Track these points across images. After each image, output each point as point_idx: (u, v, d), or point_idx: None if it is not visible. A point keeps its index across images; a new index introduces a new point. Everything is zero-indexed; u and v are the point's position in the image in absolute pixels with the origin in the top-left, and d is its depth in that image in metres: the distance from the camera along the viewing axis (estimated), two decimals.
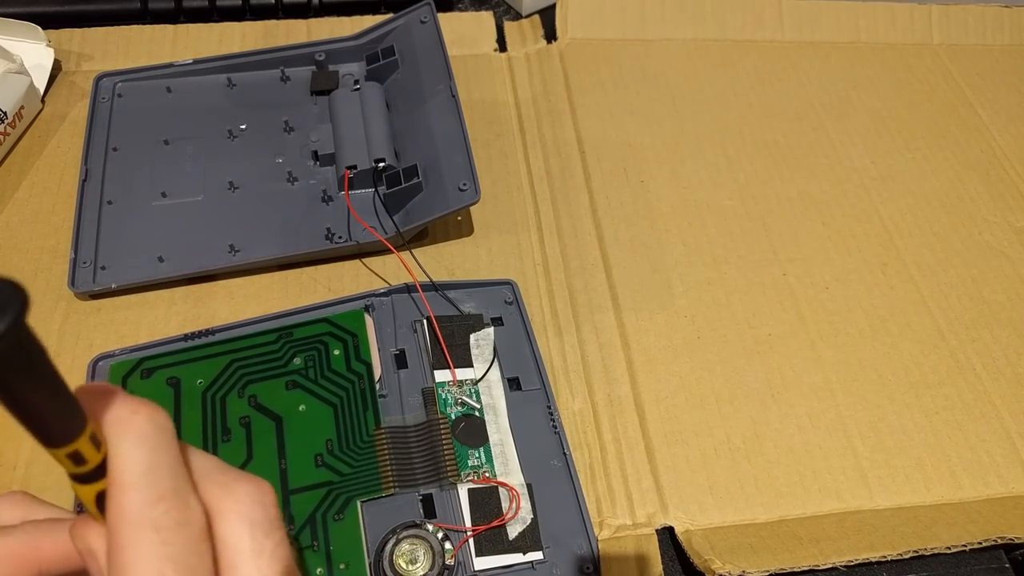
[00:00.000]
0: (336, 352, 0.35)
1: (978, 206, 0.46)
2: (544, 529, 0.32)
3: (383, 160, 0.40)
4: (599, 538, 0.33)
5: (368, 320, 0.36)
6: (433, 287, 0.38)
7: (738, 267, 0.42)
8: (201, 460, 0.19)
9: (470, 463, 0.33)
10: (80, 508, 0.30)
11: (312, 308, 0.37)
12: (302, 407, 0.34)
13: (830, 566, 0.32)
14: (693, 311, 0.40)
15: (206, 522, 0.17)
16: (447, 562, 0.31)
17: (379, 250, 0.40)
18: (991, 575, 0.33)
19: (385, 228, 0.40)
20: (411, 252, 0.39)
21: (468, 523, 0.32)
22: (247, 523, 0.18)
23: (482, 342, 0.37)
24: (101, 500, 0.17)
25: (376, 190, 0.41)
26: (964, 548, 0.33)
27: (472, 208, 0.42)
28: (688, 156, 0.46)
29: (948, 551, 0.33)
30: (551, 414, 0.35)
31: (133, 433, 0.17)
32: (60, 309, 0.38)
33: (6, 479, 0.33)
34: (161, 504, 0.16)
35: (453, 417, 0.34)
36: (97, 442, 0.17)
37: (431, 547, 0.31)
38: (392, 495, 0.32)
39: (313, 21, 0.50)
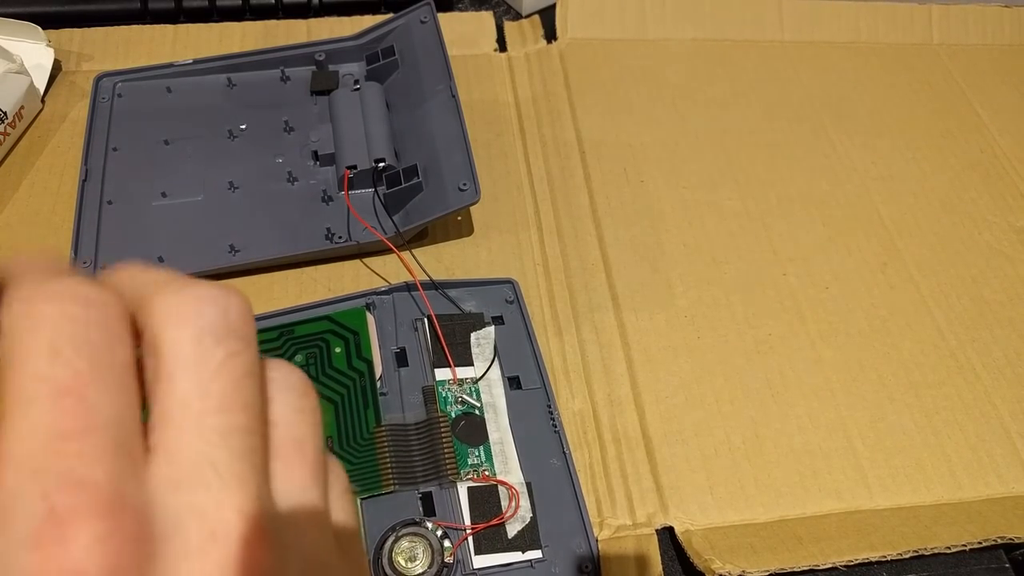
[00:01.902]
0: (337, 350, 0.35)
1: (978, 206, 0.46)
2: (543, 528, 0.32)
3: (383, 160, 0.40)
4: (599, 538, 0.33)
5: (369, 318, 0.36)
6: (434, 286, 0.38)
7: (738, 267, 0.42)
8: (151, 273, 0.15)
9: (470, 461, 0.33)
10: None
11: (314, 306, 0.37)
12: None
13: (830, 566, 0.32)
14: (693, 311, 0.40)
15: (125, 311, 0.13)
16: (446, 560, 0.31)
17: (379, 250, 0.40)
18: (991, 575, 0.33)
19: (385, 228, 0.40)
20: (411, 252, 0.39)
21: (467, 521, 0.32)
22: (191, 325, 0.13)
23: (483, 341, 0.37)
24: None
25: (376, 190, 0.41)
26: (964, 548, 0.33)
27: (472, 208, 0.42)
28: (688, 156, 0.46)
29: (948, 551, 0.33)
30: (551, 413, 0.35)
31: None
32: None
33: None
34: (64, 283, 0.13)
35: (453, 415, 0.34)
36: None
37: (430, 545, 0.31)
38: (392, 493, 0.32)
39: (313, 21, 0.50)
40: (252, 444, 0.13)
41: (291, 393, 0.15)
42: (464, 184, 0.38)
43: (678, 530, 0.34)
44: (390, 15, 0.46)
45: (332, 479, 0.16)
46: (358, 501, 0.32)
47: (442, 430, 0.34)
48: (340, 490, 0.16)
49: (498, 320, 0.38)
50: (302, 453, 0.15)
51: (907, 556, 0.32)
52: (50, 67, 0.45)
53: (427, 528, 0.31)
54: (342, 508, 0.16)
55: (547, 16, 0.52)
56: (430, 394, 0.35)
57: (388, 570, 0.30)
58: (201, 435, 0.13)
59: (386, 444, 0.33)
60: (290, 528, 0.14)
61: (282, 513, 0.14)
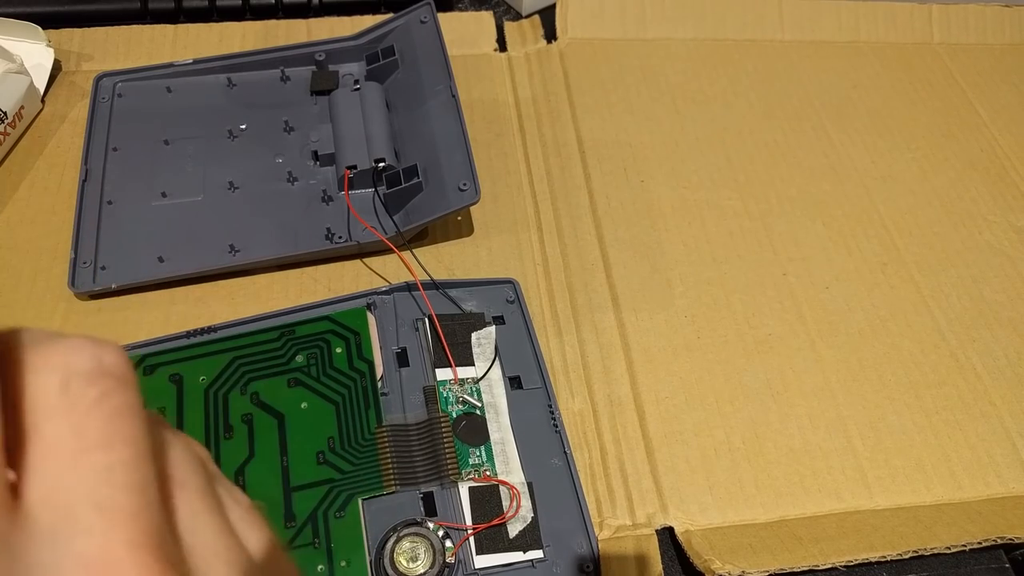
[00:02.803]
0: (338, 350, 0.35)
1: (978, 206, 0.47)
2: (544, 528, 0.32)
3: (383, 160, 0.40)
4: (599, 538, 0.33)
5: (370, 318, 0.36)
6: (434, 286, 0.38)
7: (738, 267, 0.42)
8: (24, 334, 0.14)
9: (471, 461, 0.33)
10: None
11: (314, 306, 0.37)
12: (304, 405, 0.34)
13: (830, 566, 0.32)
14: (693, 311, 0.40)
15: None
16: (447, 560, 0.31)
17: (379, 250, 0.40)
18: (991, 575, 0.34)
19: (385, 228, 0.40)
20: (411, 252, 0.39)
21: (469, 521, 0.32)
22: (58, 372, 0.13)
23: (483, 341, 0.37)
24: None
25: (376, 190, 0.41)
26: (964, 548, 0.33)
27: (472, 208, 0.42)
28: (688, 156, 0.46)
29: (948, 551, 0.33)
30: (552, 413, 0.35)
31: None
32: (60, 309, 0.38)
33: None
34: None
35: (454, 415, 0.34)
36: None
37: (432, 545, 0.31)
38: (393, 493, 0.32)
39: (313, 21, 0.50)
40: (142, 476, 0.13)
41: (169, 432, 0.15)
42: (464, 184, 0.38)
43: (678, 530, 0.34)
44: (390, 15, 0.46)
45: (230, 502, 0.16)
46: (359, 502, 0.32)
47: (443, 430, 0.34)
48: (242, 511, 0.16)
49: (499, 320, 0.38)
50: (186, 486, 0.14)
51: (907, 556, 0.32)
52: (50, 67, 0.45)
53: (428, 528, 0.31)
54: (250, 527, 0.16)
55: (547, 16, 0.52)
56: (431, 394, 0.35)
57: (390, 570, 0.30)
58: (78, 474, 0.12)
59: (387, 444, 0.33)
60: (199, 555, 0.13)
61: (188, 543, 0.14)
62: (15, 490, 0.12)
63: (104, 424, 0.13)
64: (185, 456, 0.15)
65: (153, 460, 0.13)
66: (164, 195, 0.41)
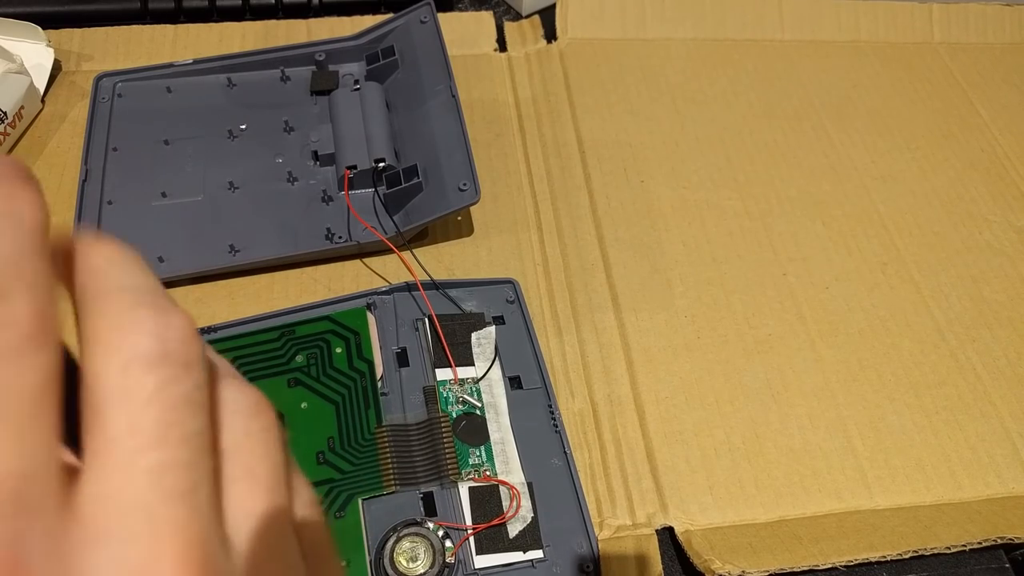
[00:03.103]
0: (338, 350, 0.35)
1: (979, 206, 0.47)
2: (544, 528, 0.32)
3: (383, 160, 0.40)
4: (599, 538, 0.33)
5: (370, 318, 0.36)
6: (434, 286, 0.38)
7: (738, 267, 0.42)
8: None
9: (471, 461, 0.33)
10: None
11: (314, 306, 0.37)
12: (304, 405, 0.34)
13: (830, 566, 0.32)
14: (693, 311, 0.40)
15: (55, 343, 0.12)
16: (447, 560, 0.31)
17: (379, 250, 0.40)
18: (991, 575, 0.34)
19: (385, 228, 0.40)
20: (411, 252, 0.39)
21: (469, 521, 0.32)
22: (117, 353, 0.12)
23: (483, 341, 0.37)
24: None
25: (376, 190, 0.41)
26: (964, 548, 0.33)
27: (472, 208, 0.42)
28: (688, 156, 0.46)
29: (948, 551, 0.33)
30: (552, 413, 0.35)
31: None
32: (60, 309, 0.38)
33: None
34: None
35: (454, 415, 0.34)
36: None
37: (431, 545, 0.31)
38: (393, 493, 0.32)
39: (313, 21, 0.50)
40: (193, 480, 0.12)
41: (240, 416, 0.14)
42: (464, 184, 0.38)
43: (678, 530, 0.34)
44: (390, 15, 0.46)
45: (295, 495, 0.15)
46: (359, 502, 0.32)
47: (443, 430, 0.34)
48: (304, 503, 0.15)
49: (499, 320, 0.38)
50: (252, 479, 0.14)
51: (907, 556, 0.32)
52: (50, 67, 0.45)
53: (428, 528, 0.31)
54: (308, 522, 0.15)
55: (547, 16, 0.52)
56: (431, 394, 0.35)
57: (390, 570, 0.30)
58: (130, 477, 0.12)
59: (387, 444, 0.33)
60: (249, 559, 0.13)
61: (236, 546, 0.13)
62: (74, 476, 0.12)
63: (159, 419, 0.12)
64: (262, 442, 0.14)
65: (209, 452, 0.13)
66: (164, 195, 0.41)
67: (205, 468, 0.13)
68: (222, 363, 0.15)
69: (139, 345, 0.12)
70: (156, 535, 0.11)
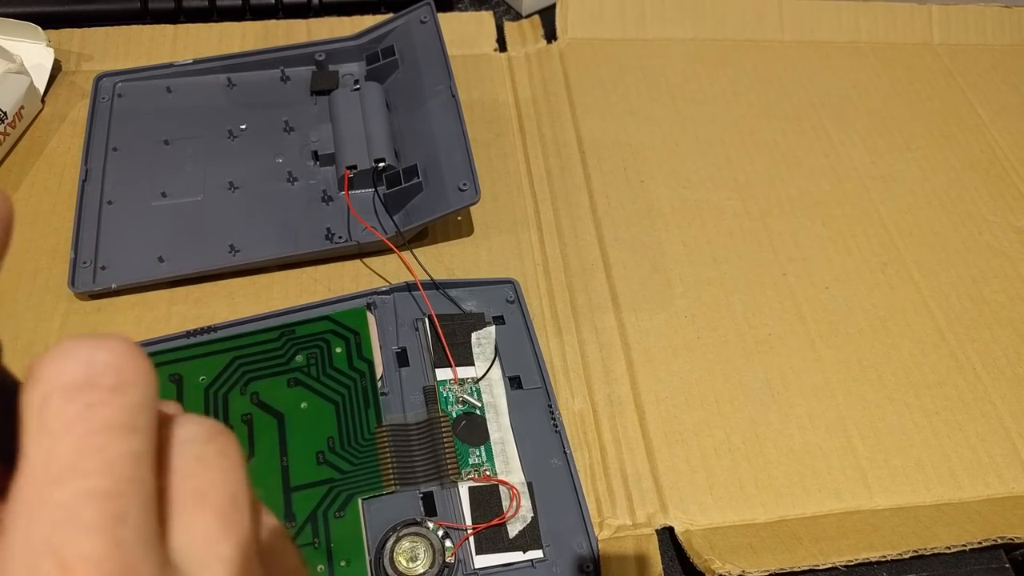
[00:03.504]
0: (338, 350, 0.35)
1: (978, 206, 0.47)
2: (544, 528, 0.32)
3: (383, 160, 0.40)
4: (599, 538, 0.33)
5: (370, 318, 0.36)
6: (435, 285, 0.38)
7: (738, 267, 0.42)
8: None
9: (471, 461, 0.33)
10: None
11: (314, 306, 0.37)
12: (304, 404, 0.34)
13: (830, 566, 0.32)
14: (693, 311, 0.40)
15: None
16: (447, 560, 0.31)
17: (379, 250, 0.40)
18: (991, 575, 0.33)
19: (385, 228, 0.40)
20: (411, 252, 0.39)
21: (468, 521, 0.32)
22: (40, 384, 0.12)
23: (483, 340, 0.37)
24: None
25: (376, 190, 0.41)
26: (964, 548, 0.33)
27: (472, 208, 0.42)
28: (688, 156, 0.46)
29: (948, 551, 0.33)
30: (552, 413, 0.35)
31: None
32: (60, 309, 0.38)
33: None
34: None
35: (454, 415, 0.34)
36: None
37: (431, 545, 0.31)
38: (393, 493, 0.32)
39: (313, 21, 0.50)
40: (118, 509, 0.11)
41: (192, 443, 0.13)
42: (464, 184, 0.38)
43: (678, 530, 0.34)
44: (390, 15, 0.46)
45: (259, 523, 0.14)
46: (359, 502, 0.32)
47: (443, 430, 0.34)
48: (270, 531, 0.14)
49: (499, 320, 0.38)
50: (202, 504, 0.13)
51: (907, 556, 0.32)
52: (50, 67, 0.45)
53: (428, 528, 0.31)
54: (276, 550, 0.14)
55: (547, 16, 0.52)
56: (431, 394, 0.35)
57: (389, 570, 0.30)
58: (41, 514, 0.11)
59: (387, 444, 0.33)
60: None
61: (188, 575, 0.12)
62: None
63: (77, 447, 0.11)
64: (216, 467, 0.13)
65: (147, 479, 0.12)
66: (164, 195, 0.41)
67: (137, 495, 0.12)
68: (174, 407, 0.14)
69: (62, 374, 0.12)
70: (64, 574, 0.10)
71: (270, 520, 0.15)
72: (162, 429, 0.13)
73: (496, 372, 0.36)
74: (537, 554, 0.32)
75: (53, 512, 0.11)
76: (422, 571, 0.30)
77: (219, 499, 0.13)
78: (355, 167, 0.40)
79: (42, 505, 0.11)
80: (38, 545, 0.11)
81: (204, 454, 0.13)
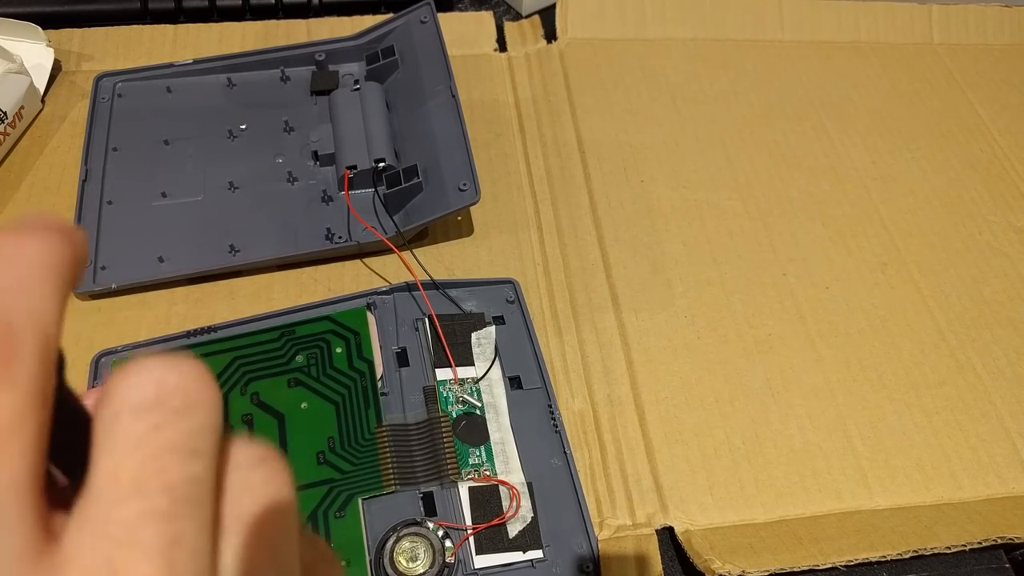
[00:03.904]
0: (338, 350, 0.35)
1: (978, 206, 0.47)
2: (544, 528, 0.32)
3: (383, 160, 0.40)
4: (599, 538, 0.33)
5: (370, 318, 0.36)
6: (435, 285, 0.38)
7: (738, 267, 0.42)
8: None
9: (471, 461, 0.33)
10: None
11: (314, 306, 0.37)
12: (304, 405, 0.34)
13: (830, 566, 0.32)
14: (693, 311, 0.40)
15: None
16: (447, 560, 0.31)
17: (379, 250, 0.40)
18: (991, 575, 0.34)
19: (385, 228, 0.40)
20: (411, 252, 0.39)
21: (468, 521, 0.32)
22: (111, 403, 0.12)
23: (483, 340, 0.37)
24: None
25: (376, 190, 0.41)
26: (964, 548, 0.33)
27: (472, 208, 0.42)
28: (688, 156, 0.46)
29: (948, 551, 0.33)
30: (552, 413, 0.35)
31: None
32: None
33: None
34: None
35: (454, 415, 0.34)
36: None
37: (431, 545, 0.31)
38: (393, 493, 0.32)
39: (313, 21, 0.50)
40: (175, 532, 0.11)
41: (243, 468, 0.13)
42: (464, 184, 0.38)
43: (678, 530, 0.34)
44: (390, 15, 0.46)
45: (310, 549, 0.14)
46: (359, 502, 0.32)
47: (443, 430, 0.34)
48: (321, 557, 0.15)
49: (499, 320, 0.38)
50: (251, 530, 0.13)
51: (907, 556, 0.32)
52: (50, 67, 0.45)
53: (428, 528, 0.31)
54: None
55: (547, 16, 0.52)
56: (431, 394, 0.35)
57: (389, 570, 0.30)
58: (102, 531, 0.11)
59: (387, 444, 0.33)
60: None
61: None
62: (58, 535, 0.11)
63: (140, 467, 0.11)
64: (265, 491, 0.13)
65: (205, 503, 0.12)
66: (164, 195, 0.41)
67: (194, 519, 0.12)
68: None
69: (132, 392, 0.12)
70: None
71: (319, 544, 0.15)
72: (223, 454, 0.13)
73: (496, 372, 0.36)
74: (537, 554, 0.32)
75: (114, 530, 0.11)
76: (422, 571, 0.30)
77: (271, 529, 0.13)
78: (355, 167, 0.40)
79: (105, 523, 0.11)
80: (98, 562, 0.11)
81: (253, 479, 0.13)
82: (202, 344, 0.35)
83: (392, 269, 0.40)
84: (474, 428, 0.34)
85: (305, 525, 0.14)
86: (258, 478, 0.13)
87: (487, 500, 0.32)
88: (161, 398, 0.12)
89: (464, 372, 0.36)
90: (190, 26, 0.49)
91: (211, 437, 0.13)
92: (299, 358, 0.35)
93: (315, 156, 0.42)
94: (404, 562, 0.30)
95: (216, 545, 0.12)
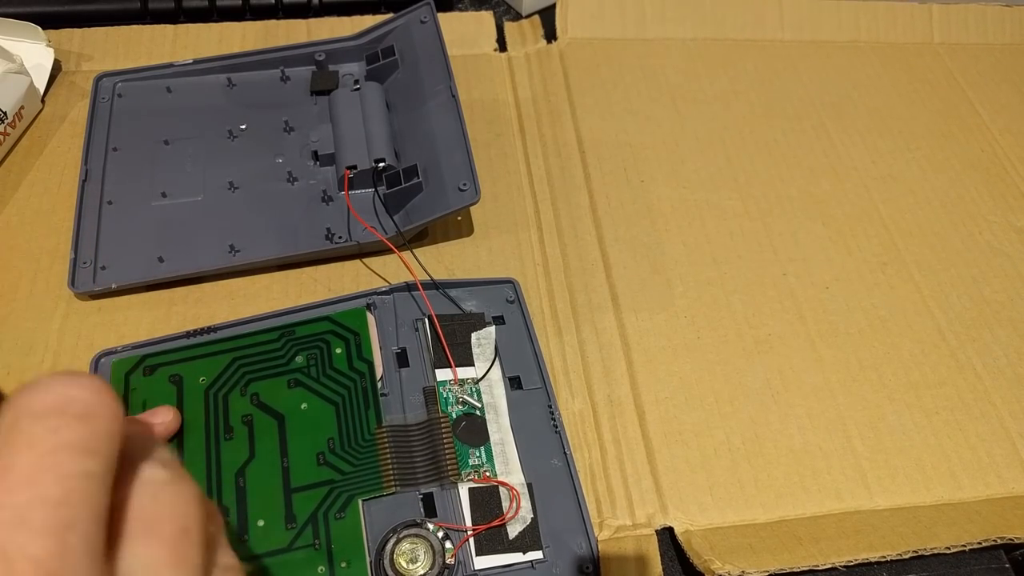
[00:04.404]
0: (338, 350, 0.35)
1: (979, 206, 0.47)
2: (544, 529, 0.32)
3: (383, 160, 0.40)
4: (599, 539, 0.33)
5: (370, 318, 0.36)
6: (434, 285, 0.38)
7: (738, 267, 0.42)
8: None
9: (471, 462, 0.33)
10: None
11: (314, 306, 0.37)
12: (304, 405, 0.34)
13: (830, 566, 0.32)
14: (693, 311, 0.40)
15: None
16: (447, 561, 0.31)
17: (379, 250, 0.40)
18: (991, 575, 0.34)
19: (385, 228, 0.40)
20: (411, 252, 0.39)
21: (468, 522, 0.32)
22: (13, 411, 0.13)
23: (483, 341, 0.37)
24: None
25: (376, 190, 0.41)
26: (964, 548, 0.33)
27: (472, 208, 0.42)
28: (688, 156, 0.46)
29: (948, 551, 0.33)
30: (552, 413, 0.35)
31: None
32: (60, 309, 0.38)
33: None
34: None
35: (454, 416, 0.34)
36: None
37: (431, 546, 0.31)
38: (393, 494, 0.32)
39: (313, 21, 0.50)
40: (68, 517, 0.12)
41: (151, 483, 0.14)
42: (464, 184, 0.38)
43: (678, 530, 0.34)
44: (390, 15, 0.46)
45: (216, 557, 0.15)
46: (359, 503, 0.32)
47: (443, 431, 0.34)
48: (225, 568, 0.15)
49: (499, 320, 0.38)
50: (153, 534, 0.14)
51: (907, 556, 0.32)
52: (50, 67, 0.45)
53: (428, 529, 0.31)
54: None
55: (547, 16, 0.52)
56: (431, 395, 0.35)
57: (389, 571, 0.30)
58: None
59: (387, 445, 0.33)
60: None
61: None
62: None
63: (36, 460, 0.12)
64: (170, 504, 0.14)
65: (98, 497, 0.13)
66: (164, 195, 0.41)
67: (86, 508, 0.13)
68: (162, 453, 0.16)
69: (35, 400, 0.13)
70: (8, 571, 0.11)
71: (228, 559, 0.16)
72: (130, 472, 0.14)
73: (496, 372, 0.36)
74: (537, 555, 0.32)
75: (5, 514, 0.12)
76: (422, 572, 0.30)
77: (170, 531, 0.14)
78: (355, 167, 0.40)
79: None
80: None
81: (161, 492, 0.15)
82: (202, 344, 0.35)
83: (392, 269, 0.40)
84: (474, 429, 0.34)
85: (223, 539, 0.16)
86: (168, 491, 0.15)
87: (487, 501, 0.32)
88: (61, 407, 0.13)
89: (464, 372, 0.36)
90: (190, 26, 0.49)
91: (108, 441, 0.13)
92: (299, 359, 0.35)
93: (315, 156, 0.42)
94: (404, 563, 0.30)
95: (117, 546, 0.13)
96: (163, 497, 0.15)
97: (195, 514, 0.15)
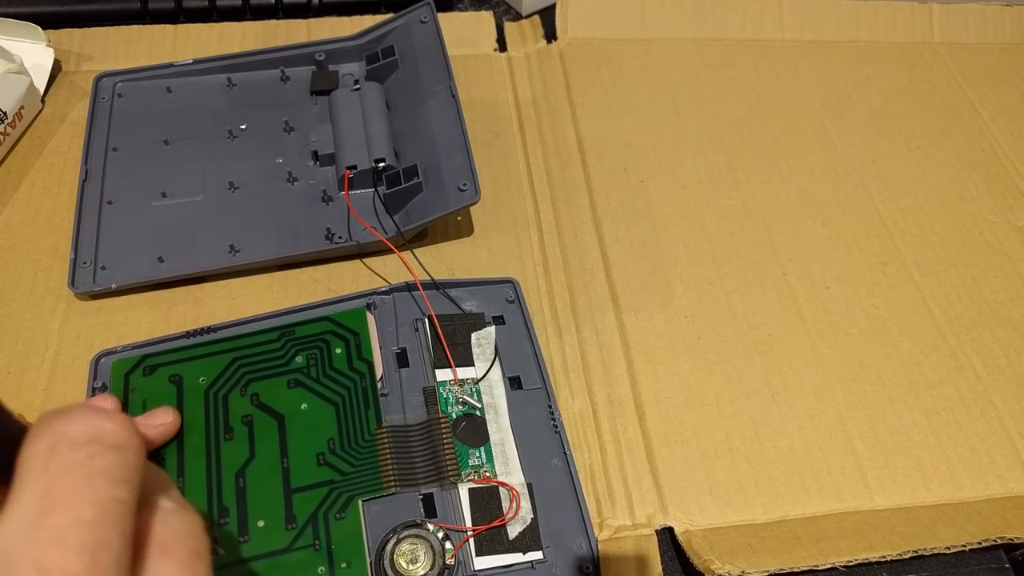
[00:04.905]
0: (338, 351, 0.35)
1: (979, 205, 0.46)
2: (544, 529, 0.32)
3: (383, 160, 0.40)
4: (599, 539, 0.33)
5: (370, 318, 0.36)
6: (434, 285, 0.38)
7: (738, 267, 0.42)
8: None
9: (471, 462, 0.33)
10: None
11: (314, 306, 0.37)
12: (304, 406, 0.34)
13: (830, 566, 0.32)
14: (693, 311, 0.40)
15: None
16: (447, 562, 0.31)
17: (379, 250, 0.40)
18: (991, 575, 0.34)
19: (385, 228, 0.40)
20: (412, 252, 0.39)
21: (468, 523, 0.32)
22: (49, 438, 0.14)
23: (483, 341, 0.37)
24: None
25: (376, 190, 0.41)
26: (964, 548, 0.33)
27: (472, 208, 0.42)
28: (688, 156, 0.46)
29: (948, 551, 0.33)
30: (552, 413, 0.35)
31: None
32: (60, 309, 0.38)
33: None
34: None
35: (454, 416, 0.34)
36: None
37: (431, 547, 0.31)
38: (393, 494, 0.32)
39: (313, 21, 0.50)
40: (100, 537, 0.14)
41: (164, 511, 0.16)
42: (464, 184, 0.38)
43: (678, 531, 0.34)
44: (390, 15, 0.46)
45: None
46: (359, 503, 0.32)
47: (443, 431, 0.34)
48: None
49: (499, 320, 0.38)
50: (169, 554, 0.16)
51: (907, 556, 0.32)
52: (50, 67, 0.45)
53: (428, 530, 0.31)
54: None
55: (547, 16, 0.52)
56: (431, 395, 0.35)
57: (389, 572, 0.30)
58: (33, 535, 0.13)
59: (387, 445, 0.33)
60: None
61: None
62: None
63: (74, 485, 0.14)
64: (179, 525, 0.16)
65: (128, 521, 0.14)
66: (164, 195, 0.41)
67: (117, 529, 0.14)
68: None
69: (71, 429, 0.14)
70: None
71: None
72: (144, 501, 0.16)
73: (496, 372, 0.36)
74: (537, 555, 0.32)
75: (45, 533, 0.13)
76: (422, 573, 0.30)
77: (183, 552, 0.16)
78: (355, 167, 0.40)
79: (36, 528, 0.13)
80: (27, 559, 0.13)
81: (171, 518, 0.17)
82: (202, 344, 0.35)
83: (392, 269, 0.40)
84: (474, 429, 0.34)
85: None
86: (176, 518, 0.17)
87: (487, 501, 0.32)
88: (97, 437, 0.15)
89: (464, 373, 0.36)
90: (190, 26, 0.49)
91: (136, 473, 0.15)
92: (299, 359, 0.35)
93: (315, 156, 0.42)
94: (404, 564, 0.30)
95: (139, 566, 0.15)
96: (174, 523, 0.16)
97: (202, 537, 0.17)
